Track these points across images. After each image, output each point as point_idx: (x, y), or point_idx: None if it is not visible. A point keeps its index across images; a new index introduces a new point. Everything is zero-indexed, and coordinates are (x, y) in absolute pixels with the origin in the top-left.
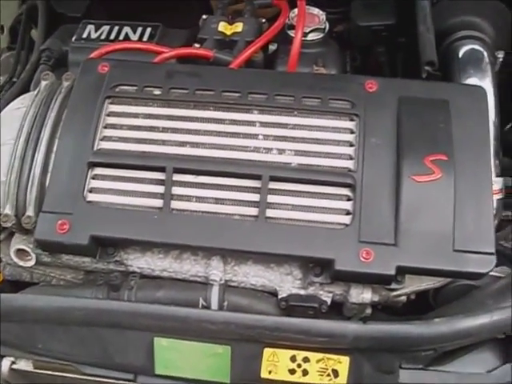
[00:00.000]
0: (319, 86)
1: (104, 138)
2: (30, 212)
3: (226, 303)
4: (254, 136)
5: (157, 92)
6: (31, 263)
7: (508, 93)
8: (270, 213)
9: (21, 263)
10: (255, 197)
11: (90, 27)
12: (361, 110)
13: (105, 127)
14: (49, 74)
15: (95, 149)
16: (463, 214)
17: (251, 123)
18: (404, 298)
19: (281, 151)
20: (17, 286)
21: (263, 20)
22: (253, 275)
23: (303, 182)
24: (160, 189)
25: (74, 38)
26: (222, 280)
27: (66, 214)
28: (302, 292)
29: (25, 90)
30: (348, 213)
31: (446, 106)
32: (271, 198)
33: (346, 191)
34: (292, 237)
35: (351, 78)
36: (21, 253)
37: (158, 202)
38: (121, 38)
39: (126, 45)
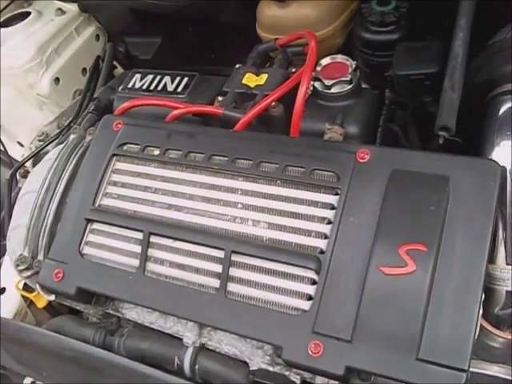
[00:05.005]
0: (307, 153)
1: (106, 195)
2: (41, 257)
3: (197, 366)
4: (234, 204)
5: (156, 152)
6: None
7: None
8: (231, 287)
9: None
10: (219, 268)
11: (137, 76)
12: (345, 184)
13: (109, 184)
14: (77, 127)
15: (96, 204)
16: (437, 318)
17: (233, 190)
18: None
19: (255, 223)
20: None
21: (293, 69)
22: (226, 343)
23: (267, 259)
24: (139, 249)
25: (120, 88)
26: (197, 343)
27: (63, 264)
28: (271, 368)
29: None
30: (310, 298)
31: (444, 183)
32: (234, 272)
33: (311, 274)
34: (247, 316)
35: (343, 146)
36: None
37: (137, 262)
38: (159, 87)
39: (143, 101)
